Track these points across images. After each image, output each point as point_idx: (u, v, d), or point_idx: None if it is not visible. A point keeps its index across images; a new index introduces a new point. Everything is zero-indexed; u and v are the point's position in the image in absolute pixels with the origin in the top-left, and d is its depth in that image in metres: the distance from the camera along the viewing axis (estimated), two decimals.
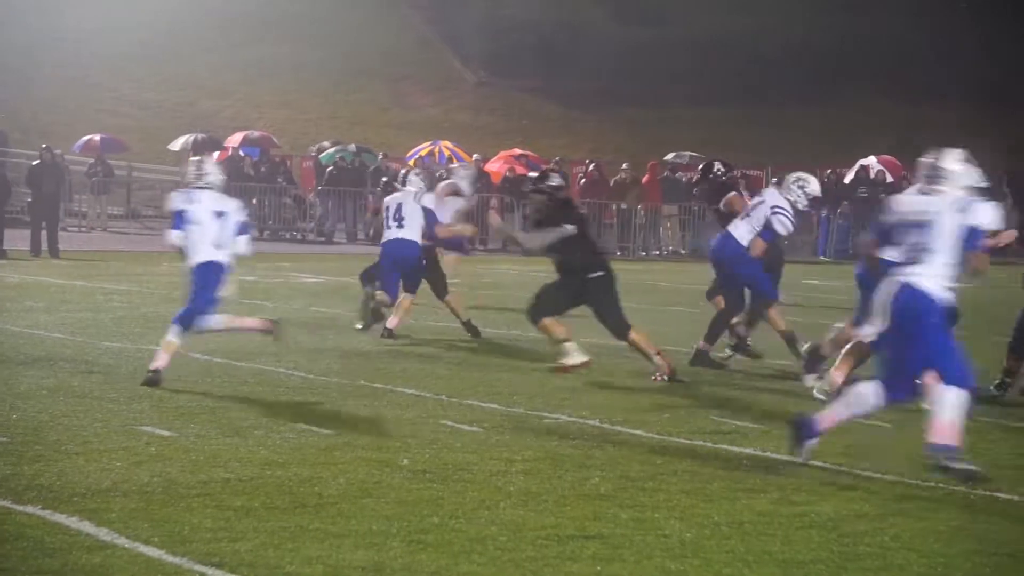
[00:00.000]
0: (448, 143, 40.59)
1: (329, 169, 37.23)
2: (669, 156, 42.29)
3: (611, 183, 36.47)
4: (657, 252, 35.91)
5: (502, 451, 9.12)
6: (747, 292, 13.92)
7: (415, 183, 16.32)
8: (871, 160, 39.40)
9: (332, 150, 39.36)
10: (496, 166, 38.48)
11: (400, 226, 15.79)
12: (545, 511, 7.61)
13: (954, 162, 8.90)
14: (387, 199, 16.30)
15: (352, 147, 39.68)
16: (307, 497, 7.74)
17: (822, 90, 60.71)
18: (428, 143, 40.56)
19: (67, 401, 10.49)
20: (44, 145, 29.39)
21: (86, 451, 8.73)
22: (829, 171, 38.32)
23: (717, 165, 15.52)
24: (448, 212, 17.53)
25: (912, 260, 8.68)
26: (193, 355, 13.20)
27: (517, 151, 41.46)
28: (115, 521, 7.14)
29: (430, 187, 17.22)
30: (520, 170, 36.91)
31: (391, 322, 15.47)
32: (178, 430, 9.49)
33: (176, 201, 11.91)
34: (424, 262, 16.00)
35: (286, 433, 9.52)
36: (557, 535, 7.14)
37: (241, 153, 38.55)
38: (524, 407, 10.87)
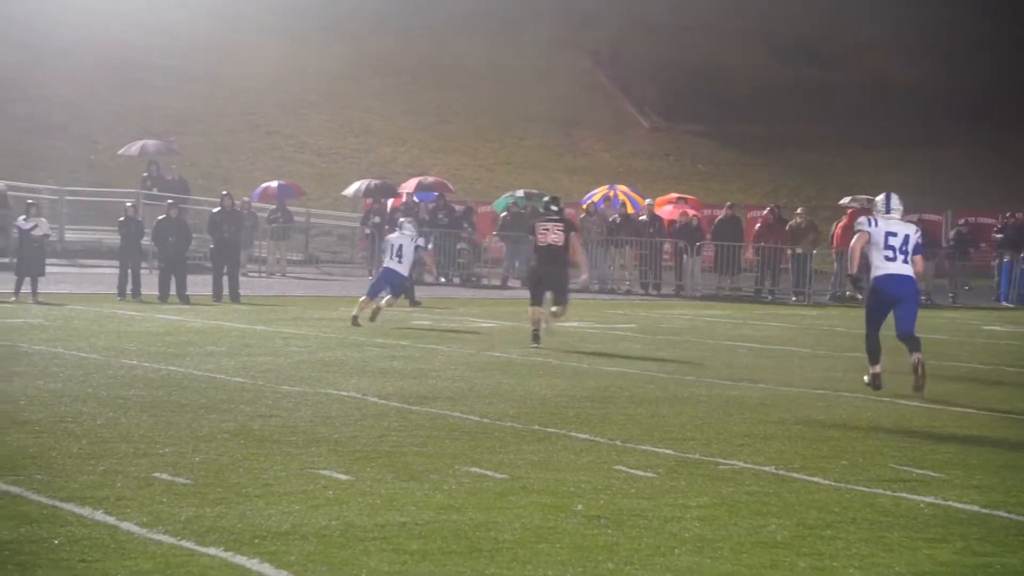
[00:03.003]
0: (624, 187, 40.61)
1: (504, 215, 37.56)
2: (844, 200, 41.74)
3: (786, 227, 36.14)
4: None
5: (677, 497, 9.06)
6: None
7: (408, 229, 23.72)
8: None
9: (504, 197, 39.70)
10: (665, 210, 38.41)
11: (400, 260, 23.15)
12: (721, 558, 7.55)
13: None
14: (390, 237, 23.88)
15: (520, 192, 39.96)
16: (482, 542, 7.76)
17: (1001, 134, 59.52)
18: (604, 187, 40.64)
19: (247, 444, 10.68)
20: (224, 192, 30.04)
21: (266, 494, 8.88)
22: (1008, 214, 37.54)
23: None
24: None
25: None
26: (370, 399, 13.36)
27: (674, 195, 41.28)
28: (294, 564, 7.24)
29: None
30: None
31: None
32: (355, 474, 9.60)
33: None
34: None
35: (461, 477, 9.56)
36: None
37: (416, 199, 39.03)
38: (699, 453, 10.79)
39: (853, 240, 15.39)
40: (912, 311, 15.16)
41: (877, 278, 15.24)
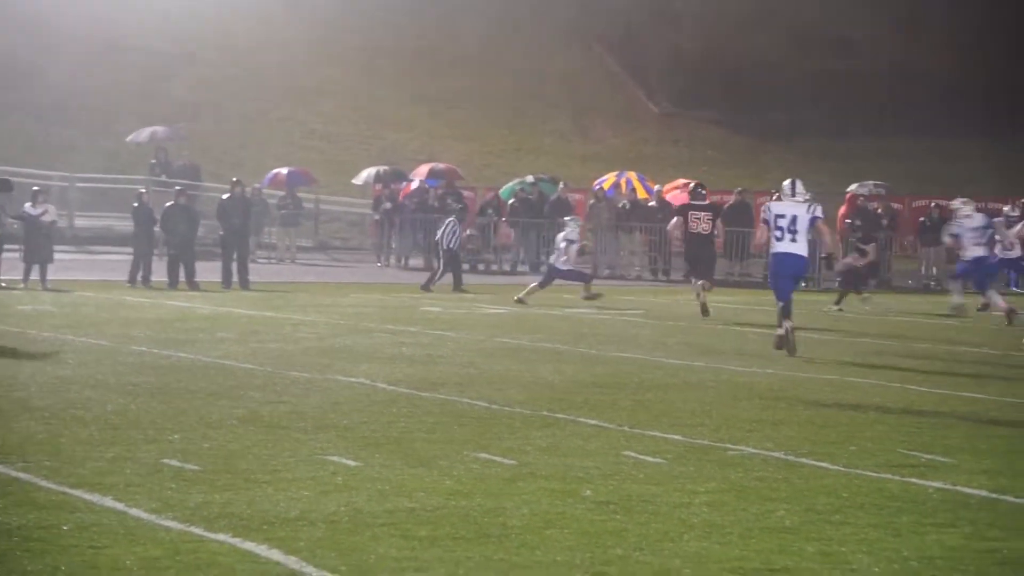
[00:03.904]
0: (633, 174, 40.46)
1: (511, 202, 37.53)
2: (853, 187, 41.67)
3: None
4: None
5: (685, 483, 9.06)
6: None
7: (570, 226, 26.61)
8: None
9: (511, 184, 39.63)
10: (675, 195, 38.22)
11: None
12: (730, 544, 7.55)
13: None
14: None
15: (530, 178, 39.86)
16: (491, 527, 7.77)
17: (1015, 124, 59.33)
18: (614, 174, 40.41)
19: (256, 431, 10.70)
20: (234, 179, 30.06)
21: (275, 480, 8.89)
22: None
23: None
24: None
25: None
26: (379, 385, 13.38)
27: (681, 181, 40.89)
28: (303, 550, 7.25)
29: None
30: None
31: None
32: (364, 460, 9.61)
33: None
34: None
35: (470, 463, 9.57)
36: (742, 568, 7.07)
37: (427, 185, 39.02)
38: (708, 438, 10.79)
39: (759, 234, 18.58)
40: (790, 285, 17.47)
41: (771, 255, 17.72)
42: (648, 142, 60.79)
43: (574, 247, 26.02)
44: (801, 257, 17.34)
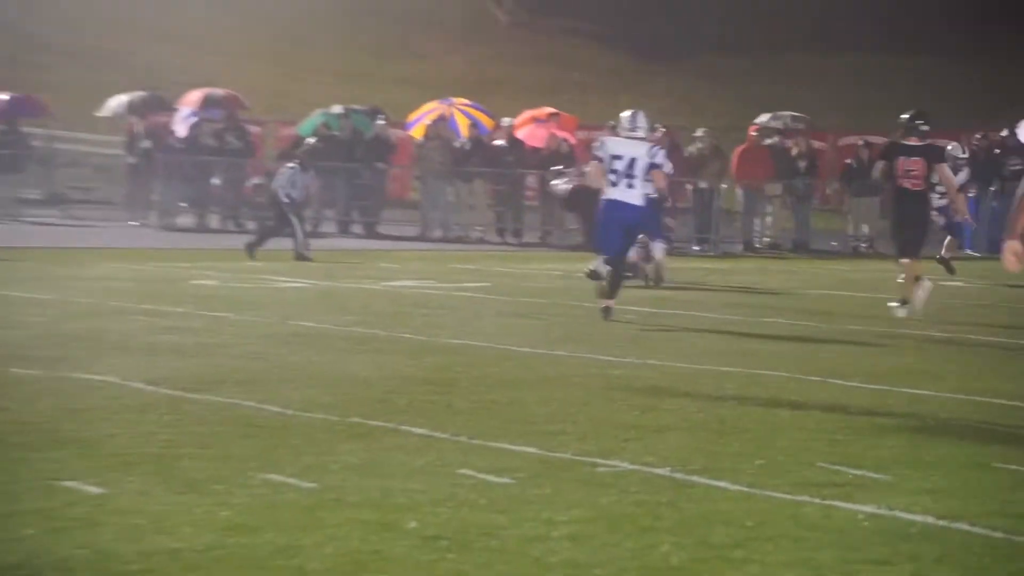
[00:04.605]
0: (463, 101, 40.34)
1: (311, 140, 37.23)
2: (763, 118, 42.24)
3: (684, 155, 36.42)
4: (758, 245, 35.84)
5: (541, 510, 9.09)
6: None
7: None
8: None
9: (314, 116, 39.41)
10: (528, 132, 38.32)
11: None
12: None
13: None
14: None
15: (338, 109, 39.63)
16: (284, 572, 7.73)
17: (971, 37, 60.42)
18: (435, 103, 40.14)
19: None
20: None
21: None
22: (980, 135, 38.22)
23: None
24: None
25: None
26: (133, 385, 13.24)
27: (548, 109, 40.86)
28: None
29: None
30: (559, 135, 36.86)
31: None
32: (111, 485, 9.50)
33: None
34: None
35: (256, 488, 9.51)
36: None
37: (195, 118, 38.62)
38: (571, 451, 10.84)
39: (590, 168, 19.82)
40: (630, 238, 19.56)
41: (602, 201, 19.21)
42: (494, 61, 60.96)
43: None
44: (637, 207, 19.10)
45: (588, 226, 23.82)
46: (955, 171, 27.56)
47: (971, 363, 16.48)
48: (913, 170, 20.52)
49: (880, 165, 21.37)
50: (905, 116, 21.12)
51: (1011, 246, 11.46)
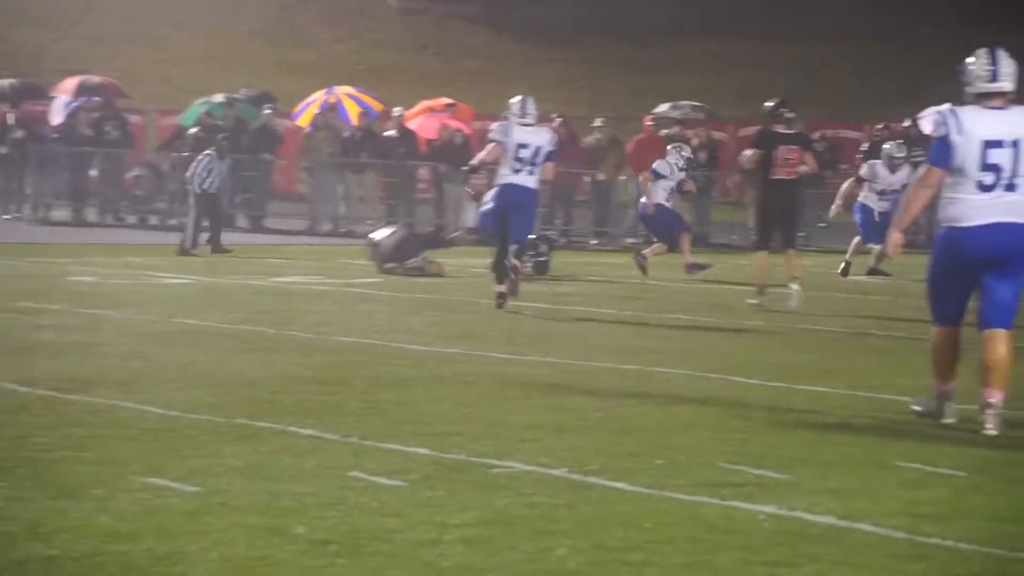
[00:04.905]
0: (349, 89, 40.20)
1: (194, 131, 36.98)
2: (662, 107, 42.39)
3: (580, 146, 36.45)
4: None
5: (434, 513, 9.09)
6: None
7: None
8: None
9: (196, 104, 39.18)
10: (420, 122, 38.28)
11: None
12: None
13: None
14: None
15: (220, 97, 39.41)
16: None
17: (879, 19, 60.79)
18: (322, 92, 39.95)
19: None
20: None
21: None
22: (881, 126, 38.49)
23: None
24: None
25: None
26: (5, 386, 13.13)
27: (445, 100, 40.88)
28: None
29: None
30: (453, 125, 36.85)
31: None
32: None
33: None
34: None
35: (136, 492, 9.46)
36: None
37: (81, 102, 38.28)
38: (465, 452, 10.84)
39: (485, 153, 20.40)
40: (528, 221, 20.35)
41: (498, 185, 19.96)
42: (384, 47, 60.83)
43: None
44: (532, 190, 19.99)
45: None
46: (893, 170, 27.79)
47: (871, 359, 16.62)
48: (791, 158, 21.25)
49: (751, 153, 21.66)
50: (770, 103, 21.82)
51: (895, 238, 12.44)
